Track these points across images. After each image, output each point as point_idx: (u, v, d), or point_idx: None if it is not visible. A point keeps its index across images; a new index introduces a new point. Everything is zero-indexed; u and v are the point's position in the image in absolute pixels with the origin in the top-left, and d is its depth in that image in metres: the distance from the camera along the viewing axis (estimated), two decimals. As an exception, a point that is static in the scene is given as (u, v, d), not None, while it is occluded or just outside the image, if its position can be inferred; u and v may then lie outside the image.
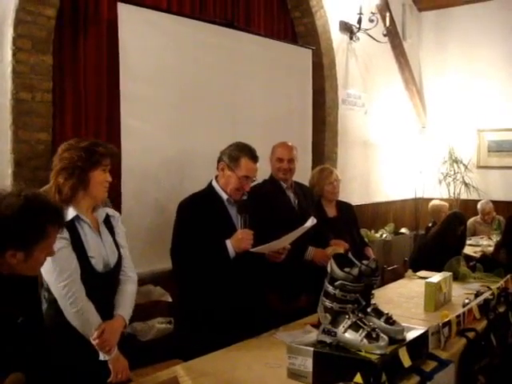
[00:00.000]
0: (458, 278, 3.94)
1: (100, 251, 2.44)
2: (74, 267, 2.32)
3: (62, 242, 2.26)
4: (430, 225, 6.31)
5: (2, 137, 3.52)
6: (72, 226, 2.34)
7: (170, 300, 4.15)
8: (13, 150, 3.55)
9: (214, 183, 3.04)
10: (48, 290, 2.31)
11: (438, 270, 3.77)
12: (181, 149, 4.38)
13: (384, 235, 7.02)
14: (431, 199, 7.10)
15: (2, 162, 3.53)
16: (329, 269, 2.24)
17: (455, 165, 7.76)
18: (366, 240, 5.35)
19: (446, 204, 6.66)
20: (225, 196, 2.99)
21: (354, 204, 4.55)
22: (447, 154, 7.82)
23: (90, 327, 2.31)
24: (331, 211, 4.17)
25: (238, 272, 2.89)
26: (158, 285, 4.45)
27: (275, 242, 2.92)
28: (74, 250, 2.33)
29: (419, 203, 8.13)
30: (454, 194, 7.76)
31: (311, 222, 3.09)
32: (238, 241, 2.83)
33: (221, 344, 2.59)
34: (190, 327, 2.99)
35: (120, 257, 2.54)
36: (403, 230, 7.61)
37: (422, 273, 4.13)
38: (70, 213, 2.35)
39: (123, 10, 3.94)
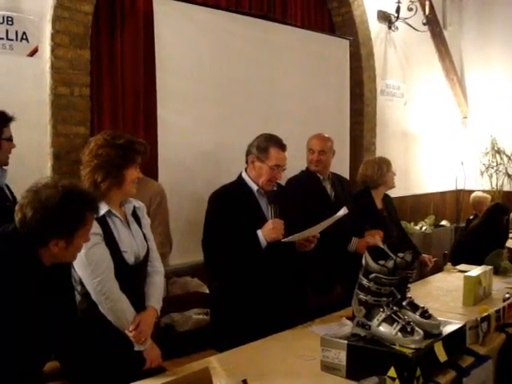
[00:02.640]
0: (498, 271, 3.86)
1: (131, 245, 2.45)
2: (108, 263, 2.33)
3: (95, 238, 2.28)
4: (471, 217, 6.16)
5: (41, 131, 3.61)
6: (104, 221, 2.35)
7: (206, 291, 4.17)
8: (52, 143, 3.63)
9: (244, 175, 3.05)
10: (81, 284, 2.34)
11: (480, 263, 3.69)
12: (217, 142, 4.40)
13: (424, 228, 6.90)
14: (473, 191, 6.93)
15: (41, 155, 3.61)
16: (363, 261, 2.21)
17: (498, 156, 7.56)
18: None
19: (488, 196, 6.49)
20: (255, 187, 2.99)
21: (392, 196, 4.51)
22: (489, 144, 7.62)
23: (125, 320, 2.34)
24: (379, 203, 4.15)
25: (270, 263, 2.88)
26: (195, 276, 4.49)
27: (305, 231, 2.92)
28: (106, 245, 2.35)
29: (460, 195, 7.96)
30: (497, 185, 7.57)
31: (343, 211, 3.08)
32: (270, 230, 2.82)
33: (255, 336, 2.59)
34: (224, 318, 3.01)
35: (148, 248, 2.56)
36: (444, 223, 7.46)
37: (462, 266, 4.06)
38: (102, 208, 2.33)
39: (158, 4, 3.97)
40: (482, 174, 7.66)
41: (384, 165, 4.16)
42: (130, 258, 2.42)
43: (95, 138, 2.48)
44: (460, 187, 7.97)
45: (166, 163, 4.06)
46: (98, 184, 2.36)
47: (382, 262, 2.16)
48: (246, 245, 2.85)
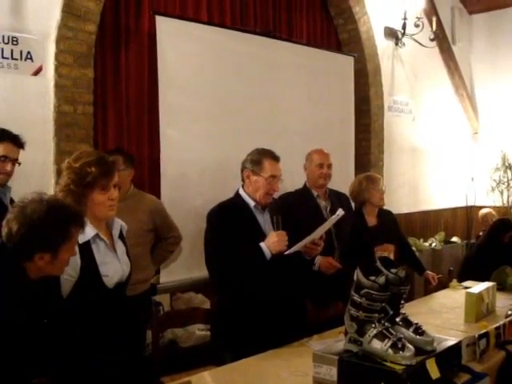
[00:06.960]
0: (505, 288, 3.81)
1: (116, 269, 2.37)
2: None
3: None
4: (480, 233, 6.12)
5: (45, 148, 3.66)
6: (87, 248, 2.26)
7: (209, 307, 4.18)
8: (55, 160, 3.68)
9: (241, 191, 3.08)
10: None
11: (487, 280, 3.64)
12: (221, 158, 4.40)
13: (434, 244, 6.84)
14: (484, 207, 6.87)
15: (45, 172, 3.66)
16: (355, 277, 2.21)
17: (509, 171, 7.49)
18: (414, 249, 5.24)
19: (492, 211, 6.47)
20: (252, 203, 3.01)
21: (401, 212, 4.46)
22: (500, 160, 7.55)
23: None
24: (372, 220, 4.12)
25: (275, 275, 2.86)
26: (200, 292, 4.50)
27: (305, 239, 2.92)
28: (86, 272, 2.24)
29: (471, 211, 7.88)
30: (508, 201, 7.50)
31: (339, 212, 3.07)
32: (274, 243, 2.81)
33: (255, 351, 2.60)
34: (225, 334, 3.00)
35: (131, 270, 2.48)
36: (454, 239, 7.38)
37: (468, 283, 4.01)
38: (90, 232, 2.26)
39: (161, 23, 4.01)
40: (493, 189, 7.58)
41: (365, 181, 4.12)
42: (110, 281, 2.32)
43: (66, 160, 2.36)
44: (471, 203, 7.89)
45: (169, 179, 4.08)
46: None
47: (373, 278, 2.15)
48: (252, 258, 2.84)
